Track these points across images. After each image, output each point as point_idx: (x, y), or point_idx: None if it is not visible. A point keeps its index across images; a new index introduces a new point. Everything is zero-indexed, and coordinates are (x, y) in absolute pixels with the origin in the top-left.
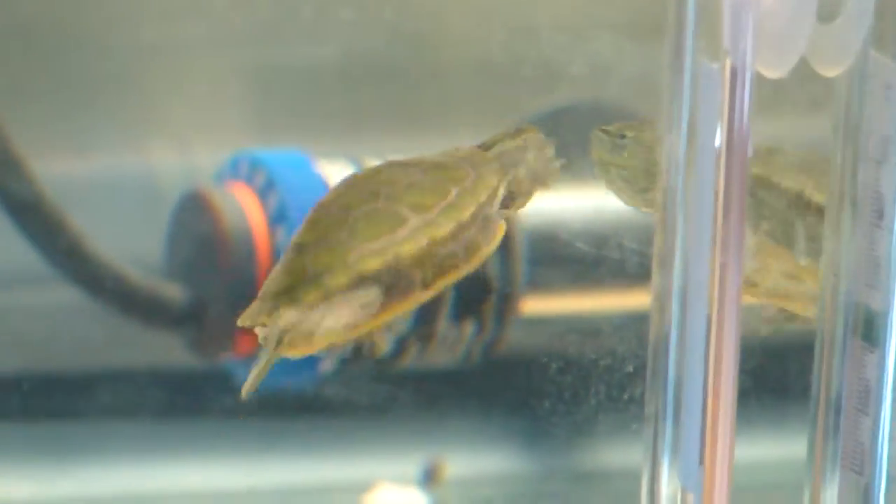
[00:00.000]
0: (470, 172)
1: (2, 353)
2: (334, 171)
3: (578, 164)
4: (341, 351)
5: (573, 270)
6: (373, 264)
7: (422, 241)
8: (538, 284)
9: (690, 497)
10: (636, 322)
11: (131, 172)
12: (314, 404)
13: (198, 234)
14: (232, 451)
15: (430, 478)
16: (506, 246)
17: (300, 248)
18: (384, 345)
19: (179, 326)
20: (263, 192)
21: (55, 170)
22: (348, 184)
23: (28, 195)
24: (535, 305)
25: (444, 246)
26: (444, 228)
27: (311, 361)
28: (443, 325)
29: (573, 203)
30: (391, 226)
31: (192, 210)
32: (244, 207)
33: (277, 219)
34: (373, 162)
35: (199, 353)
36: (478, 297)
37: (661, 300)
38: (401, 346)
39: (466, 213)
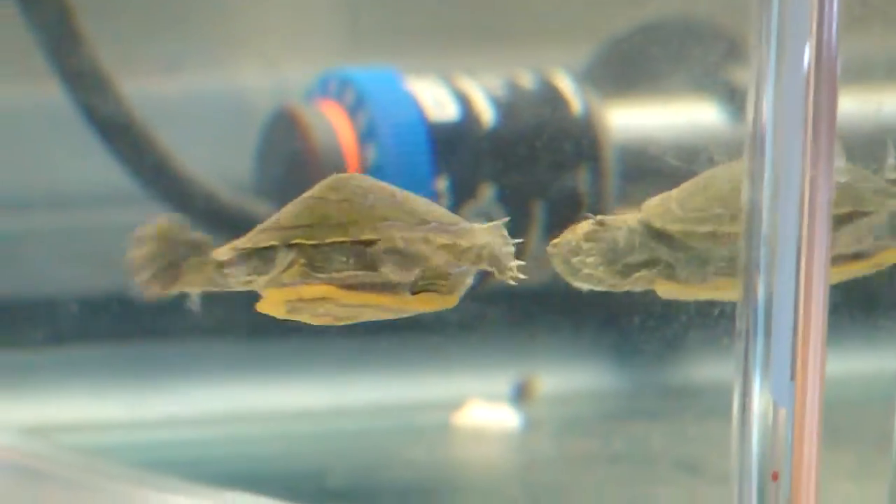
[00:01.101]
0: (450, 216)
1: (93, 273)
2: (423, 88)
3: (668, 79)
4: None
5: (663, 185)
6: (397, 238)
7: (438, 243)
8: (628, 199)
9: (782, 412)
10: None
11: (221, 91)
12: (404, 322)
13: (288, 151)
14: (322, 370)
15: (521, 395)
16: (596, 161)
17: (322, 200)
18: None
19: None
20: (353, 110)
21: (144, 89)
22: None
23: (117, 115)
24: None
25: (439, 264)
26: (465, 242)
27: None
28: (533, 241)
29: (663, 118)
30: (412, 220)
31: (282, 128)
32: (334, 125)
33: (367, 136)
34: (464, 80)
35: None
36: (569, 212)
37: (752, 215)
38: None
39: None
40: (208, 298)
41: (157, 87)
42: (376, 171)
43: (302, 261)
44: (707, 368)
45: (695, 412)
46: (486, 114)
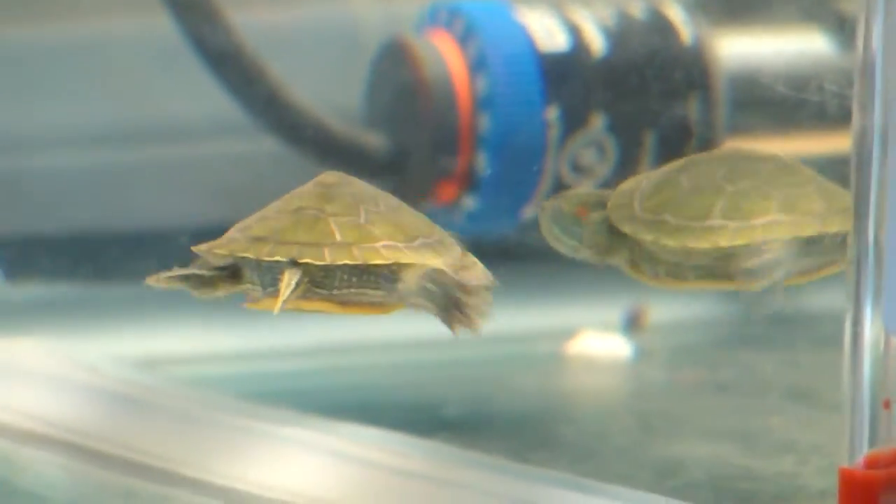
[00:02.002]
0: (435, 231)
1: (205, 203)
2: (534, 18)
3: (777, 8)
4: (543, 199)
5: (774, 114)
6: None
7: (416, 258)
8: (739, 128)
9: (894, 340)
10: (837, 164)
11: (331, 21)
12: (516, 251)
13: (398, 82)
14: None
15: (632, 324)
16: (706, 90)
17: (320, 213)
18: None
19: (380, 174)
20: (463, 40)
21: (255, 19)
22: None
23: (227, 45)
24: None
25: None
26: (438, 260)
27: (512, 208)
28: (645, 170)
29: (773, 46)
30: (403, 236)
31: (393, 58)
32: (444, 55)
33: (477, 66)
34: (574, 10)
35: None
36: (679, 141)
37: (862, 142)
38: None
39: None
40: None
41: (267, 17)
42: (486, 101)
43: (307, 279)
44: (818, 296)
45: (806, 340)
46: (597, 43)
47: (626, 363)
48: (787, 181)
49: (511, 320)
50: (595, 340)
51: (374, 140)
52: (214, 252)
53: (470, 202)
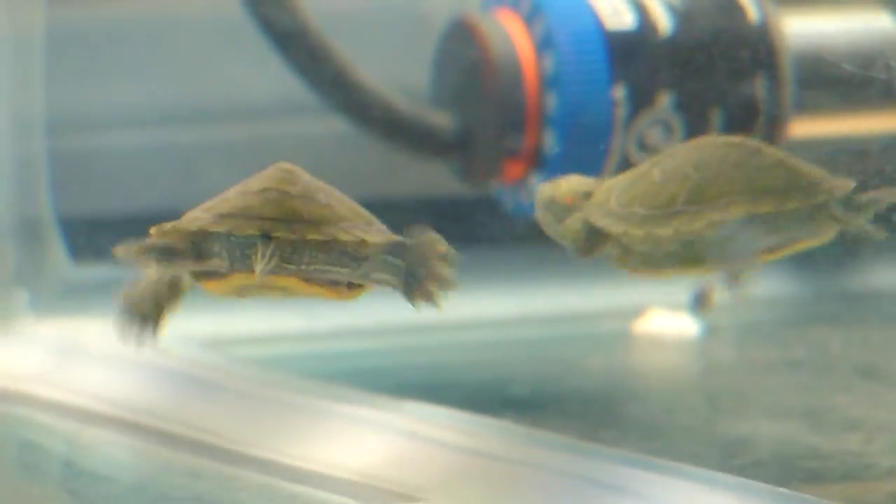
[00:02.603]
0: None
1: None
2: (600, 0)
3: None
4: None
5: (840, 92)
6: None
7: (381, 239)
8: (805, 106)
9: None
10: None
11: (398, 1)
12: None
13: (465, 61)
14: (502, 279)
15: (700, 302)
16: (773, 68)
17: (284, 194)
18: None
19: (447, 154)
20: (530, 18)
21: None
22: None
23: (294, 25)
24: (802, 128)
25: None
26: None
27: None
28: None
29: (839, 24)
30: (361, 220)
31: (459, 37)
32: (511, 34)
33: (544, 45)
34: None
35: (468, 180)
36: (746, 120)
37: None
38: None
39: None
40: (388, 207)
41: None
42: (553, 80)
43: (276, 257)
44: (888, 274)
45: (875, 318)
46: (663, 22)
47: (693, 341)
48: (753, 163)
49: (579, 299)
50: (663, 319)
51: (441, 119)
52: (182, 229)
53: (537, 181)
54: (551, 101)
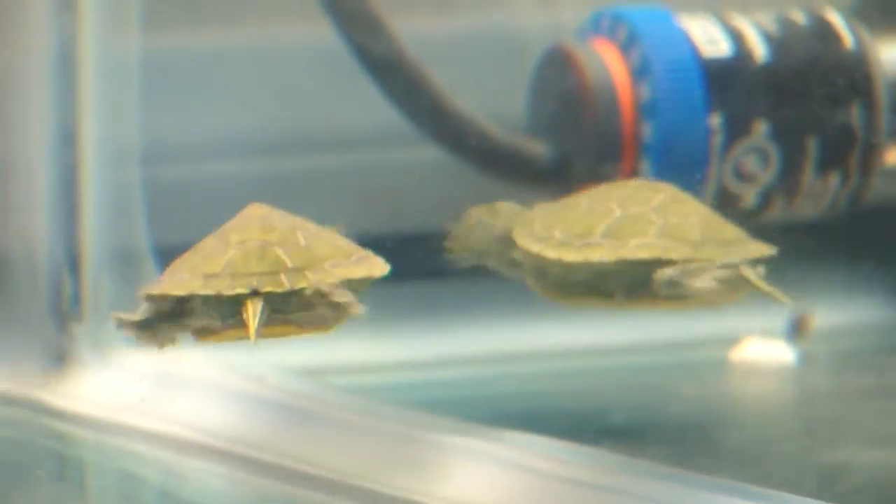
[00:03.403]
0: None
1: (367, 211)
2: (695, 25)
3: None
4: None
5: None
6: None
7: (363, 272)
8: None
9: None
10: None
11: (494, 29)
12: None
13: (561, 89)
14: (599, 308)
15: (796, 330)
16: (869, 96)
17: (266, 244)
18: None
19: (543, 182)
20: (626, 47)
21: (417, 28)
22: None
23: (390, 54)
24: None
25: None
26: (378, 270)
27: None
28: (808, 176)
29: None
30: (341, 254)
31: (556, 66)
32: (607, 62)
33: (640, 73)
34: (735, 17)
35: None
36: (842, 147)
37: None
38: (766, 199)
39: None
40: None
41: (430, 26)
42: (650, 108)
43: (268, 307)
44: None
45: None
46: (759, 50)
47: (789, 369)
48: (675, 210)
49: (676, 328)
50: (759, 347)
51: (537, 147)
52: (169, 294)
53: None
54: (647, 130)
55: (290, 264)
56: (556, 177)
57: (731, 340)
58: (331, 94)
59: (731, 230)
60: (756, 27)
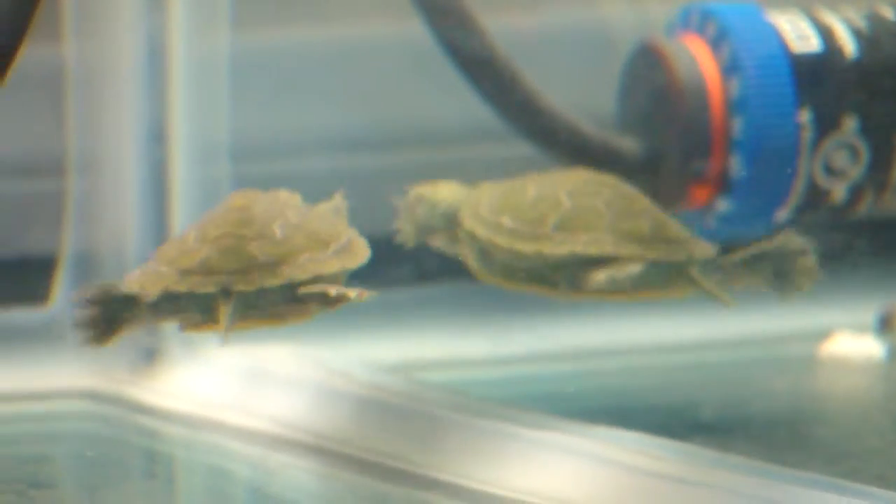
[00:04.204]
0: (343, 233)
1: None
2: (784, 21)
3: None
4: (796, 201)
5: None
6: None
7: (337, 267)
8: None
9: None
10: None
11: (583, 25)
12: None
13: (651, 85)
14: (689, 303)
15: (885, 325)
16: None
17: (241, 239)
18: None
19: (633, 178)
20: (715, 43)
21: (507, 24)
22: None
23: (481, 50)
24: None
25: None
26: (355, 261)
27: (765, 210)
28: None
29: None
30: (319, 245)
31: (645, 61)
32: (697, 58)
33: (730, 69)
34: (825, 12)
35: (654, 204)
36: None
37: None
38: (856, 194)
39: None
40: None
41: (520, 22)
42: (739, 104)
43: (241, 304)
44: None
45: None
46: (849, 45)
47: (879, 364)
48: (624, 206)
49: (765, 323)
50: (848, 342)
51: (627, 144)
52: (148, 289)
53: (723, 205)
54: (737, 125)
55: (262, 260)
56: (646, 173)
57: (820, 335)
58: (420, 90)
59: (675, 228)
60: (845, 23)
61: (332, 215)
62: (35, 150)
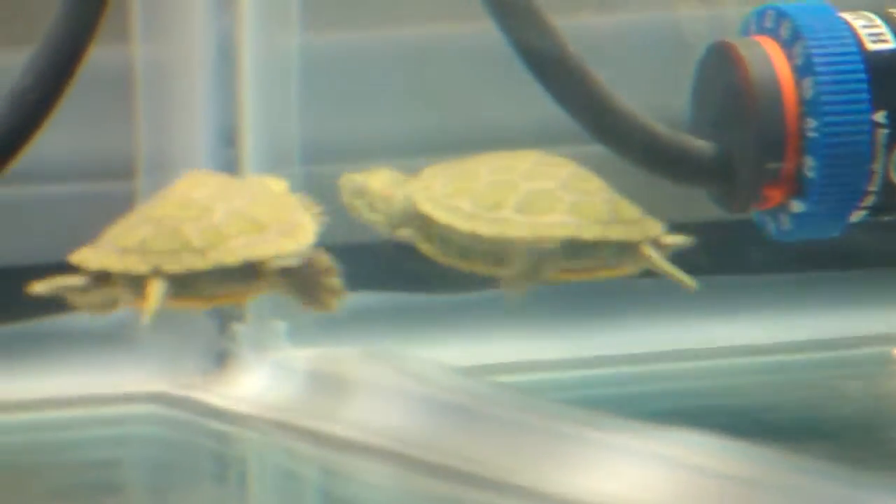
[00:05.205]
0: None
1: None
2: (859, 22)
3: None
4: (871, 202)
5: None
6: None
7: (271, 251)
8: None
9: None
10: None
11: (657, 25)
12: (846, 255)
13: (724, 86)
14: (762, 304)
15: None
16: None
17: (177, 221)
18: None
19: (707, 179)
20: (789, 43)
21: (579, 24)
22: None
23: (553, 51)
24: None
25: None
26: (291, 245)
27: (840, 211)
28: None
29: None
30: (255, 228)
31: (719, 62)
32: (771, 58)
33: (804, 70)
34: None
35: (728, 207)
36: None
37: None
38: None
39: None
40: None
41: (591, 22)
42: (813, 104)
43: (171, 287)
44: None
45: None
46: None
47: None
48: (580, 187)
49: (839, 324)
50: None
51: (701, 144)
52: (85, 266)
53: (797, 206)
54: (811, 126)
55: (196, 243)
56: (720, 174)
57: None
58: (491, 91)
59: (630, 209)
60: None
61: (292, 201)
62: (104, 152)
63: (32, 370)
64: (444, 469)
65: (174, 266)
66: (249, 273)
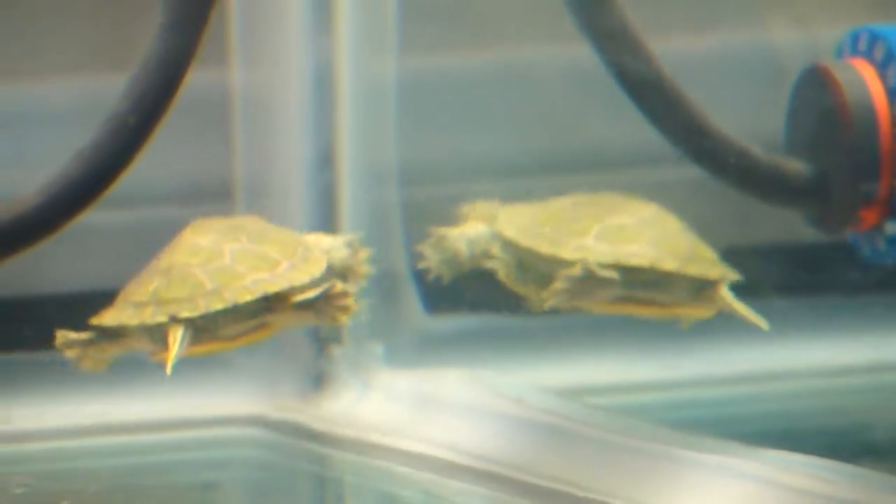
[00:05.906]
0: (298, 250)
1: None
2: None
3: None
4: None
5: None
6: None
7: (285, 284)
8: None
9: None
10: None
11: (751, 48)
12: None
13: (819, 108)
14: (858, 325)
15: None
16: None
17: (188, 267)
18: None
19: (802, 201)
20: (883, 66)
21: (674, 47)
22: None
23: (647, 73)
24: None
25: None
26: (303, 276)
27: None
28: None
29: None
30: (267, 266)
31: (814, 85)
32: (865, 81)
33: None
34: None
35: (823, 228)
36: None
37: None
38: None
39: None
40: (742, 255)
41: (686, 45)
42: None
43: (190, 332)
44: None
45: None
46: None
47: None
48: (661, 225)
49: None
50: None
51: (796, 166)
52: (104, 325)
53: (891, 228)
54: None
55: (209, 286)
56: (815, 196)
57: None
58: (586, 114)
59: (709, 251)
60: None
61: (301, 237)
62: (203, 176)
63: (137, 394)
64: (540, 491)
65: (191, 311)
66: (266, 310)
